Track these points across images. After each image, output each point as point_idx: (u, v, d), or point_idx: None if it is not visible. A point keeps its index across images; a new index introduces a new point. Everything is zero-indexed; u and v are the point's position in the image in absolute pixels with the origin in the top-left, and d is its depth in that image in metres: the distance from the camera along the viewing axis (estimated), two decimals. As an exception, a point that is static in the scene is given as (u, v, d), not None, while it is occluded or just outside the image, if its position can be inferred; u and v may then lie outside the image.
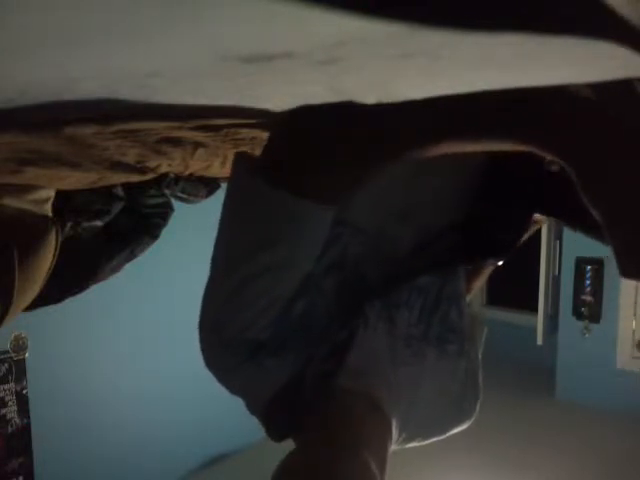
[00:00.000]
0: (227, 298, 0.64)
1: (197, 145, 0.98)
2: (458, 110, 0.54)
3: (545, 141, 0.50)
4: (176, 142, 0.92)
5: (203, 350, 0.67)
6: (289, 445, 0.70)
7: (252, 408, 0.69)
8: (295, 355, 0.65)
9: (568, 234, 3.60)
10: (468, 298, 0.77)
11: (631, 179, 0.47)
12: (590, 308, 3.62)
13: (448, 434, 0.73)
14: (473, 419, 0.74)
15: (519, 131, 0.52)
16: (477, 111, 0.53)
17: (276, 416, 0.66)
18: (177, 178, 1.41)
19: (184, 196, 1.49)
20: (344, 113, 0.58)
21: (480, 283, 0.79)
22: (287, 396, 0.65)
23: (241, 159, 0.66)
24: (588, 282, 3.61)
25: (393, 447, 0.67)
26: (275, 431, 0.68)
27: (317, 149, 0.61)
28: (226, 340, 0.65)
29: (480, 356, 0.77)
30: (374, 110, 0.56)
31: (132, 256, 1.47)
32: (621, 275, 0.50)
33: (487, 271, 0.79)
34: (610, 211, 0.48)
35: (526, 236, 0.81)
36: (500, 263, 0.79)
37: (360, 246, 0.72)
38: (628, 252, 0.49)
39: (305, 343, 0.66)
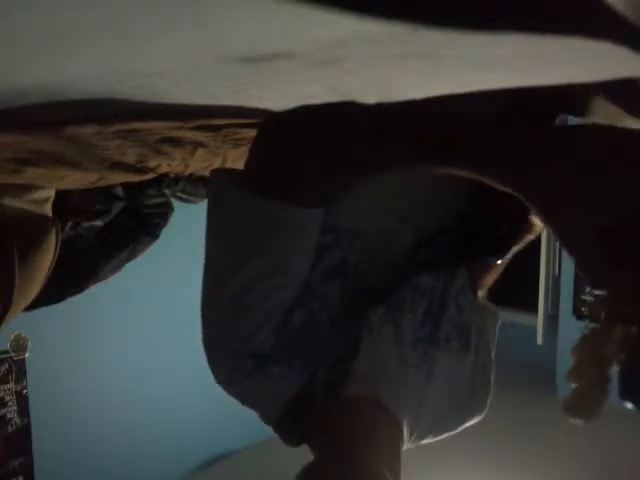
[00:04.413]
0: (226, 311, 0.65)
1: (197, 145, 0.98)
2: (423, 139, 0.56)
3: (498, 176, 0.53)
4: (176, 142, 0.92)
5: (211, 367, 0.68)
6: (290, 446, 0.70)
7: (265, 418, 0.69)
8: (302, 364, 0.66)
9: (568, 234, 3.59)
10: (480, 294, 0.77)
11: (583, 209, 0.50)
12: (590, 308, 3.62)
13: (460, 429, 0.73)
14: (484, 414, 0.74)
15: (472, 165, 0.54)
16: (434, 141, 0.56)
17: (290, 425, 0.67)
18: (177, 178, 1.41)
19: (184, 196, 1.49)
20: (329, 123, 0.59)
21: (490, 280, 0.79)
22: (299, 405, 0.65)
23: (218, 174, 0.67)
24: (588, 282, 3.61)
25: (406, 446, 0.67)
26: (290, 439, 0.68)
27: (298, 156, 0.62)
28: (231, 352, 0.65)
29: (493, 349, 0.77)
30: (353, 122, 0.58)
31: (132, 256, 1.47)
32: (591, 288, 0.52)
33: (496, 268, 0.79)
34: (568, 239, 0.51)
35: (527, 237, 0.81)
36: (499, 261, 0.79)
37: (361, 252, 0.72)
38: (589, 269, 0.50)
39: (311, 352, 0.66)
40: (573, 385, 0.52)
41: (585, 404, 0.51)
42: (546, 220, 0.52)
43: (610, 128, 0.53)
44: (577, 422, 0.51)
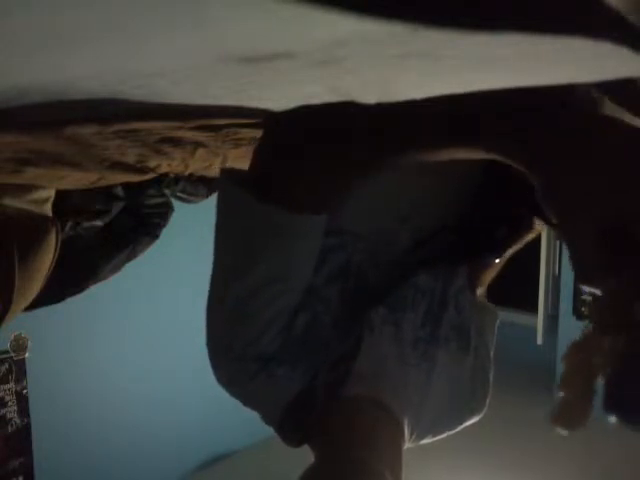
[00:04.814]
0: (229, 317, 0.65)
1: (197, 145, 0.98)
2: (428, 120, 0.56)
3: (514, 153, 0.53)
4: (176, 142, 0.92)
5: (214, 368, 0.68)
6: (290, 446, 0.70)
7: (267, 419, 0.69)
8: (305, 366, 0.66)
9: (568, 234, 3.59)
10: (479, 291, 0.77)
11: (583, 210, 0.49)
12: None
13: (459, 428, 0.73)
14: (483, 413, 0.74)
15: (488, 141, 0.54)
16: (448, 120, 0.55)
17: (291, 426, 0.67)
18: (177, 178, 1.41)
19: (184, 196, 1.49)
20: (329, 123, 0.59)
21: (488, 278, 0.79)
22: (300, 406, 0.65)
23: (227, 175, 0.67)
24: (588, 282, 3.60)
25: (407, 445, 0.67)
26: (291, 440, 0.68)
27: (298, 156, 0.62)
28: (235, 356, 0.65)
29: (492, 349, 0.77)
30: (355, 120, 0.58)
31: (132, 256, 1.47)
32: (579, 282, 0.51)
33: (495, 266, 0.79)
34: (568, 225, 0.51)
35: (527, 236, 0.81)
36: (497, 260, 0.79)
37: (362, 253, 0.72)
38: (582, 262, 0.50)
39: (314, 354, 0.66)
40: (560, 395, 0.52)
41: (571, 414, 0.51)
42: (552, 213, 0.51)
43: (611, 125, 0.52)
44: (563, 432, 0.51)
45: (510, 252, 0.80)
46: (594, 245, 0.49)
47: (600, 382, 0.50)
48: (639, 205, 0.48)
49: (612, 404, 0.47)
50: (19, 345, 2.41)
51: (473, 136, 0.55)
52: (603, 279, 0.49)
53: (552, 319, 3.86)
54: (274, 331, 0.64)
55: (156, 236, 1.50)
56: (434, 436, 0.72)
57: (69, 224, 1.29)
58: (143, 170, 1.06)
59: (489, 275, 0.79)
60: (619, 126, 0.52)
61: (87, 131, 0.73)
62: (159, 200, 1.47)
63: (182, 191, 1.47)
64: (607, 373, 0.49)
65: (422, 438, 0.70)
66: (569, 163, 0.50)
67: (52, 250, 1.10)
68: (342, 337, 0.68)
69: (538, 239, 3.69)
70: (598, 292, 0.50)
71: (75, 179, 1.03)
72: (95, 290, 1.45)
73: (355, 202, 0.71)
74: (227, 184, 0.65)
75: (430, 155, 0.59)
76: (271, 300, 0.63)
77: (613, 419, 0.47)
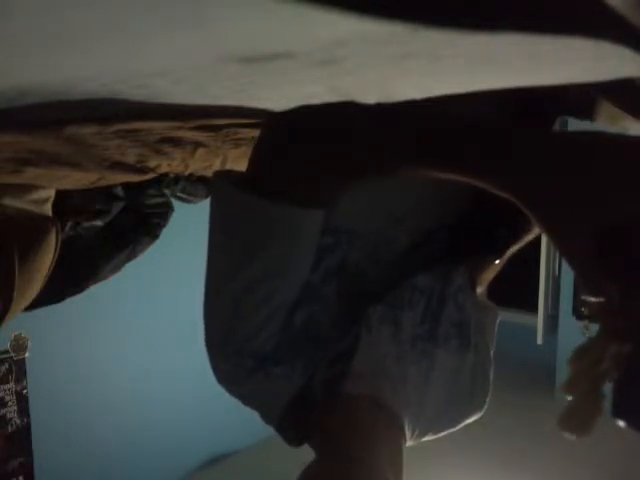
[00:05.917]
0: (228, 311, 0.65)
1: (197, 145, 0.98)
2: (414, 141, 0.57)
3: (496, 180, 0.53)
4: (176, 142, 0.92)
5: (213, 367, 0.68)
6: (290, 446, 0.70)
7: (266, 418, 0.69)
8: (304, 364, 0.66)
9: (568, 234, 3.58)
10: (479, 290, 0.77)
11: (582, 214, 0.50)
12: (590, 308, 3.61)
13: (459, 426, 0.73)
14: (483, 411, 0.74)
15: (472, 169, 0.54)
16: (430, 145, 0.56)
17: (291, 425, 0.67)
18: (177, 178, 1.41)
19: (184, 196, 1.49)
20: (329, 123, 0.60)
21: (488, 277, 0.79)
22: (299, 405, 0.65)
23: (221, 176, 0.67)
24: (588, 282, 3.60)
25: (408, 443, 0.67)
26: (291, 439, 0.68)
27: (299, 156, 0.62)
28: (233, 353, 0.65)
29: (493, 347, 0.77)
30: (352, 123, 0.58)
31: (132, 256, 1.47)
32: (587, 295, 0.52)
33: (495, 266, 0.79)
34: (565, 245, 0.51)
35: (526, 237, 0.80)
36: (497, 261, 0.79)
37: (359, 251, 0.72)
38: (586, 276, 0.50)
39: (312, 351, 0.67)
40: (568, 399, 0.51)
41: (579, 419, 0.51)
42: (542, 224, 0.52)
43: (607, 136, 0.52)
44: (571, 437, 0.51)
45: (510, 252, 0.80)
46: (593, 252, 0.48)
47: (608, 387, 0.49)
48: (638, 203, 0.48)
49: (620, 411, 0.47)
50: (19, 345, 2.41)
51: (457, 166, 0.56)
52: (606, 286, 0.49)
53: (552, 319, 3.86)
54: (271, 328, 0.64)
55: (156, 236, 1.50)
56: (434, 434, 0.72)
57: (69, 224, 1.30)
58: (143, 170, 1.06)
59: (489, 274, 0.79)
60: (604, 134, 0.52)
61: (87, 131, 0.73)
62: (159, 200, 1.47)
63: (182, 191, 1.47)
64: (614, 379, 0.48)
65: (423, 436, 0.70)
66: (566, 166, 0.50)
67: (52, 250, 1.10)
68: (340, 335, 0.68)
69: (538, 239, 3.69)
70: (603, 300, 0.50)
71: (75, 179, 1.03)
72: (95, 290, 1.45)
73: (353, 201, 0.71)
74: (222, 184, 0.66)
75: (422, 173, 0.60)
76: (268, 296, 0.63)
77: (621, 424, 0.47)
